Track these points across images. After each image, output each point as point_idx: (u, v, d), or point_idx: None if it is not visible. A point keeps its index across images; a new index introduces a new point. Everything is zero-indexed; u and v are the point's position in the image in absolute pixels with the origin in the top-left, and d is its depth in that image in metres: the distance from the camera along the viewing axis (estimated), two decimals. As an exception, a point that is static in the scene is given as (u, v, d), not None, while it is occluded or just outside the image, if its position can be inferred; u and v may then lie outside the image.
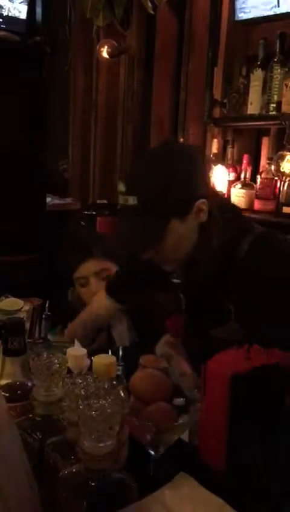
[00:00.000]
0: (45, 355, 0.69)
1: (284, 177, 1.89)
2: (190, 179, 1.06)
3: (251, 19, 2.02)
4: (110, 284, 1.39)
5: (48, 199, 2.83)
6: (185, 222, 1.05)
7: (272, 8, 1.93)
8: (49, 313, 1.29)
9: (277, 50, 1.91)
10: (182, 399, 0.75)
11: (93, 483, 0.56)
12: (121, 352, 1.03)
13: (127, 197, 1.04)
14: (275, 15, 1.93)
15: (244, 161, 2.05)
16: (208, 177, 1.11)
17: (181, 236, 1.06)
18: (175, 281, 1.17)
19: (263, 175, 1.97)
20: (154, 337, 1.21)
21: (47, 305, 1.30)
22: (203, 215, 1.06)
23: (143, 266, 1.17)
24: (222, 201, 1.20)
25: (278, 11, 1.91)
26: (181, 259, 1.10)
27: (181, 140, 2.38)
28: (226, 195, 2.10)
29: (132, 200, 1.03)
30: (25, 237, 2.55)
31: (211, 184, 1.10)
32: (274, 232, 1.17)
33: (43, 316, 1.28)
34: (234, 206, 1.25)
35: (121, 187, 1.07)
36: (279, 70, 1.89)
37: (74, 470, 0.58)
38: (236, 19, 2.08)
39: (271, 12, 1.93)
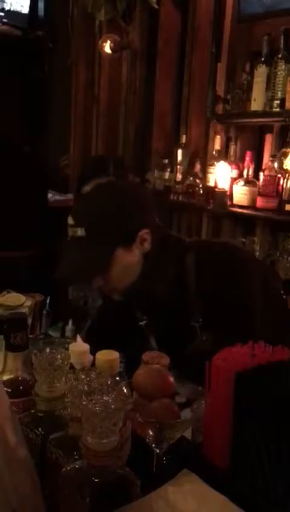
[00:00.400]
0: (48, 351, 0.68)
1: (287, 175, 1.88)
2: (133, 210, 1.15)
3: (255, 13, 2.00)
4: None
5: (49, 195, 2.82)
6: (130, 251, 1.13)
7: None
8: (49, 310, 1.29)
9: (281, 46, 1.90)
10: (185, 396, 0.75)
11: (96, 480, 0.55)
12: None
13: (76, 229, 1.13)
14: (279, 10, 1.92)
15: (247, 158, 2.04)
16: (151, 209, 1.21)
17: (127, 265, 1.13)
18: (142, 323, 1.23)
19: (265, 172, 1.96)
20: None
21: (48, 301, 1.30)
22: (147, 245, 1.14)
23: (113, 314, 1.26)
24: (164, 230, 1.28)
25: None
26: (128, 288, 1.16)
27: (184, 136, 2.37)
28: (228, 193, 2.09)
29: (80, 232, 1.11)
30: (26, 233, 2.54)
31: (154, 215, 1.21)
32: (204, 241, 1.20)
33: (44, 312, 1.28)
34: (171, 233, 1.35)
35: (70, 220, 1.13)
36: (283, 66, 1.88)
37: (76, 466, 0.58)
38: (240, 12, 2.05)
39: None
